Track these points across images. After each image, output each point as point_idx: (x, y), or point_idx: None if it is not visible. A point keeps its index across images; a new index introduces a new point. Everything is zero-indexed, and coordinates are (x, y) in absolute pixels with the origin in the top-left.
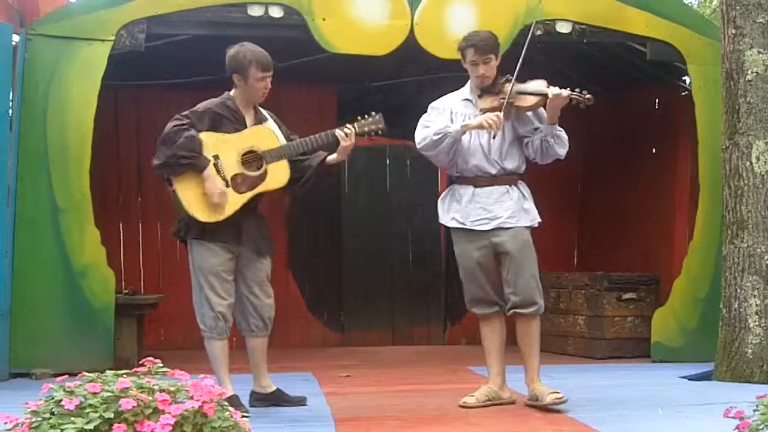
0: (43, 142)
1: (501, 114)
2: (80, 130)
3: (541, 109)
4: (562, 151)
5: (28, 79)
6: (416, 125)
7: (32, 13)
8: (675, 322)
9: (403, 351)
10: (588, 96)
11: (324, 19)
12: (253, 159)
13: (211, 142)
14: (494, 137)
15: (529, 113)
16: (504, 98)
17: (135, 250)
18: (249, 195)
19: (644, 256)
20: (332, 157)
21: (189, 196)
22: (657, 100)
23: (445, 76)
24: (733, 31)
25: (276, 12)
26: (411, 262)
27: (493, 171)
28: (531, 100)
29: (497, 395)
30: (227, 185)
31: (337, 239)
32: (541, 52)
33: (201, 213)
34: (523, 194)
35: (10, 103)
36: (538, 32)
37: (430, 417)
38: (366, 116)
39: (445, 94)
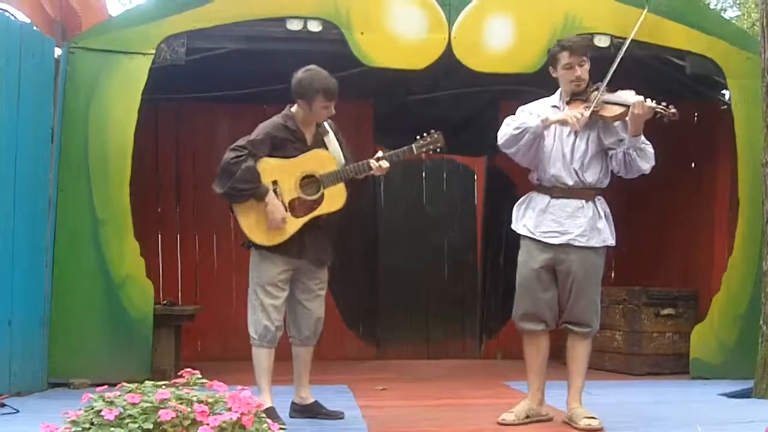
0: (84, 154)
1: (586, 113)
2: (121, 143)
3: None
4: (645, 165)
5: (69, 91)
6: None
7: (74, 26)
8: (714, 339)
9: (439, 365)
10: (673, 111)
11: (362, 33)
12: (311, 183)
13: (270, 167)
14: (575, 133)
15: (616, 124)
16: (590, 107)
17: (173, 261)
18: (305, 219)
19: (683, 271)
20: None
21: (248, 221)
22: (696, 115)
23: (481, 89)
24: None
25: (314, 26)
26: (447, 276)
27: (571, 182)
28: (616, 111)
29: (536, 412)
30: (285, 209)
31: (372, 252)
32: None
33: (259, 237)
34: (598, 212)
35: (52, 116)
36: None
37: (466, 431)
38: (425, 135)
39: (482, 107)
